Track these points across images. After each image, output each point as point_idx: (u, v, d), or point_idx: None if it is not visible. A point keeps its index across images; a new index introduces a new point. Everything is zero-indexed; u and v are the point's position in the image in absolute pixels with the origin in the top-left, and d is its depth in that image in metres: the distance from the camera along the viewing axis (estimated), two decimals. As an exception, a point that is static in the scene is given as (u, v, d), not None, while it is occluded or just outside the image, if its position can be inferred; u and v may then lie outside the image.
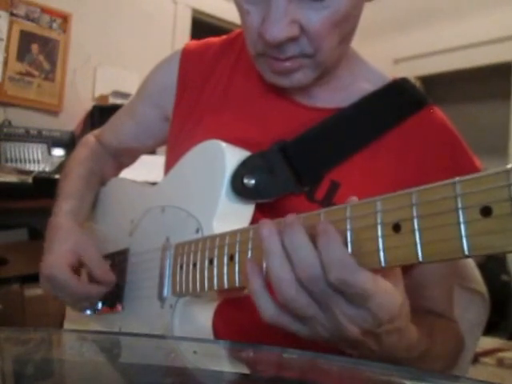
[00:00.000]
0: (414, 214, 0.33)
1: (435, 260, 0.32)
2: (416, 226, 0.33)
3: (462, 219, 0.31)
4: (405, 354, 0.43)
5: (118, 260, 0.70)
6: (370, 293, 0.36)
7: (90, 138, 0.86)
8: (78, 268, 0.66)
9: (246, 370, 0.42)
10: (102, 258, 0.67)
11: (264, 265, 0.41)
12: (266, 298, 0.40)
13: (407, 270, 0.60)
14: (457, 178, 0.31)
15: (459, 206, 0.31)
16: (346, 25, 0.54)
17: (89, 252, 0.65)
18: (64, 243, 0.65)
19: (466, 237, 0.30)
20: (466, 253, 0.30)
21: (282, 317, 0.40)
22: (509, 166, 0.29)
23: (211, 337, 0.52)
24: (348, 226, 0.37)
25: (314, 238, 0.37)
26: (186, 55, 0.73)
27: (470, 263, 0.74)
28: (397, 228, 0.34)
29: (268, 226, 0.40)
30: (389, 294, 0.37)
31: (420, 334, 0.44)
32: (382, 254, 0.35)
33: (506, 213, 0.29)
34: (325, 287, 0.37)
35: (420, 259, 0.33)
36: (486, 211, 0.29)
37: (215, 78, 0.69)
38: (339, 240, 0.36)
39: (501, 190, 0.29)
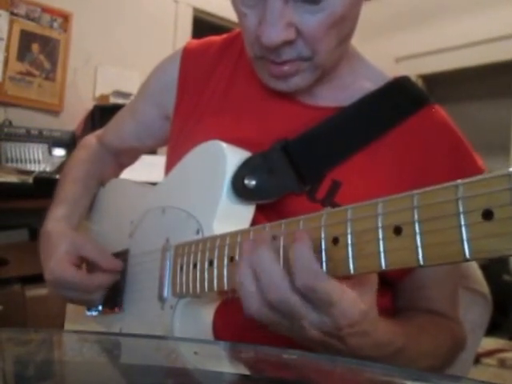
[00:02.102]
0: (416, 217, 0.33)
1: (436, 263, 0.32)
2: (417, 229, 0.33)
3: (463, 222, 0.30)
4: (374, 353, 0.44)
5: (121, 261, 0.70)
6: (335, 300, 0.38)
7: (91, 139, 0.86)
8: (80, 265, 0.66)
9: (246, 371, 0.42)
10: (102, 248, 0.67)
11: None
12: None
13: (408, 270, 0.59)
14: (459, 181, 0.31)
15: (460, 209, 0.31)
16: (344, 26, 0.54)
17: (87, 246, 0.66)
18: (59, 246, 0.65)
19: (468, 240, 0.30)
20: (468, 256, 0.30)
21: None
22: (511, 169, 0.29)
23: (211, 337, 0.52)
24: (349, 229, 0.37)
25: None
26: (187, 54, 0.73)
27: (473, 264, 0.74)
28: (398, 231, 0.34)
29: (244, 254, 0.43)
30: (351, 302, 0.39)
31: (395, 334, 0.45)
32: (382, 256, 0.35)
33: (508, 216, 0.28)
34: (292, 301, 0.39)
35: (421, 262, 0.33)
36: (488, 215, 0.29)
37: (216, 78, 0.68)
38: (308, 247, 0.38)
39: (503, 193, 0.29)
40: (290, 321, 0.41)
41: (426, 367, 0.53)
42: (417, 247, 0.33)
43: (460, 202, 0.31)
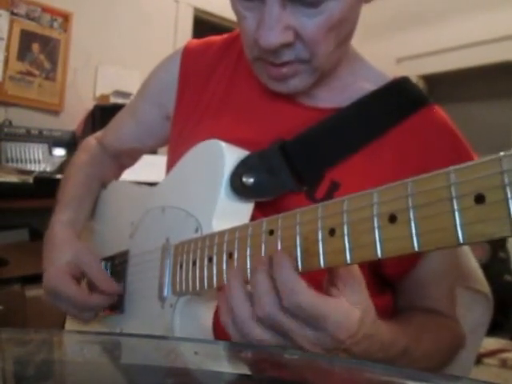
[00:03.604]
0: (410, 204, 0.33)
1: (431, 249, 0.33)
2: (411, 216, 0.33)
3: (456, 207, 0.31)
4: (380, 355, 0.43)
5: (119, 262, 0.70)
6: (324, 313, 0.38)
7: (91, 140, 0.86)
8: (79, 279, 0.66)
9: (246, 371, 0.42)
10: (103, 269, 0.67)
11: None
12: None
13: (407, 269, 0.59)
14: (451, 167, 0.32)
15: (453, 194, 0.31)
16: (342, 29, 0.54)
17: (90, 263, 0.65)
18: (64, 255, 0.65)
19: (461, 225, 0.31)
20: (461, 241, 0.31)
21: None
22: (501, 153, 0.30)
23: (211, 336, 0.52)
24: (345, 219, 0.37)
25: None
26: (188, 54, 0.73)
27: (474, 263, 0.73)
28: (393, 219, 0.34)
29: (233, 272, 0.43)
30: (343, 313, 0.38)
31: (398, 334, 0.45)
32: (378, 245, 0.35)
33: (499, 199, 0.29)
34: (281, 317, 0.39)
35: (416, 249, 0.33)
36: (480, 199, 0.30)
37: (216, 78, 0.68)
38: (289, 266, 0.39)
39: (493, 177, 0.29)
40: (285, 338, 0.40)
41: (428, 366, 0.53)
42: (411, 234, 0.33)
43: (452, 188, 0.31)
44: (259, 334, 0.40)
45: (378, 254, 0.35)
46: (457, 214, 0.31)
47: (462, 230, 0.31)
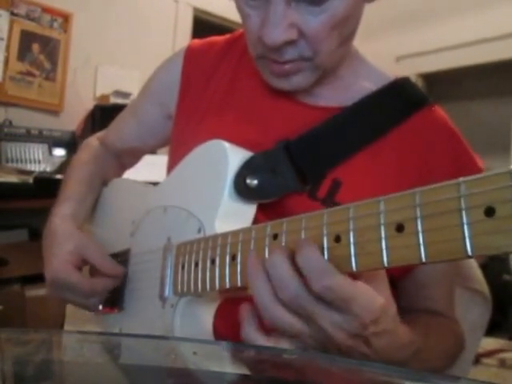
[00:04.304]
0: (418, 214, 0.33)
1: (438, 260, 0.32)
2: (419, 227, 0.33)
3: (465, 220, 0.30)
4: (398, 355, 0.43)
5: (120, 261, 0.70)
6: (352, 295, 0.37)
7: (92, 140, 0.86)
8: (81, 267, 0.66)
9: (246, 371, 0.42)
10: (105, 253, 0.67)
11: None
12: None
13: (408, 270, 0.60)
14: (461, 179, 0.31)
15: (463, 206, 0.31)
16: (345, 27, 0.54)
17: (90, 249, 0.65)
18: (65, 245, 0.64)
19: (470, 237, 0.30)
20: (469, 253, 0.30)
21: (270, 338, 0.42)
22: None
23: (212, 337, 0.52)
24: (351, 227, 0.37)
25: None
26: (190, 54, 0.73)
27: (472, 263, 0.73)
28: (400, 228, 0.34)
29: (253, 257, 0.42)
30: (369, 296, 0.38)
31: (412, 334, 0.45)
32: (385, 254, 0.35)
33: (510, 213, 0.29)
34: (306, 301, 0.39)
35: (423, 260, 0.33)
36: (490, 212, 0.29)
37: (218, 78, 0.69)
38: (316, 250, 0.38)
39: (504, 190, 0.29)
40: (308, 323, 0.40)
41: (435, 367, 0.53)
42: (419, 244, 0.33)
43: (462, 200, 0.31)
44: (282, 315, 0.40)
45: (385, 263, 0.35)
46: (465, 226, 0.30)
47: (470, 242, 0.30)
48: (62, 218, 0.69)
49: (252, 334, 0.43)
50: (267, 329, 0.43)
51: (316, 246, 0.38)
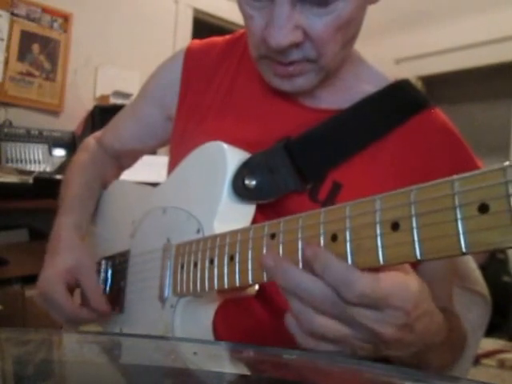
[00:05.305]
0: (413, 212, 0.33)
1: (433, 258, 0.33)
2: (414, 224, 0.33)
3: (459, 216, 0.31)
4: (435, 339, 0.43)
5: (119, 261, 0.70)
6: (387, 291, 0.36)
7: (91, 141, 0.85)
8: (73, 287, 0.66)
9: (246, 371, 0.42)
10: (99, 285, 0.67)
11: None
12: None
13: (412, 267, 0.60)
14: (455, 176, 0.32)
15: (457, 203, 0.31)
16: (349, 29, 0.54)
17: (87, 276, 0.65)
18: (65, 260, 0.64)
19: (464, 234, 0.31)
20: (464, 250, 0.31)
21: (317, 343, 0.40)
22: (506, 163, 0.30)
23: (211, 337, 0.52)
24: (347, 225, 0.37)
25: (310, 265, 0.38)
26: (190, 54, 0.73)
27: (472, 265, 0.74)
28: (395, 226, 0.34)
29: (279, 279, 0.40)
30: (402, 284, 0.37)
31: (443, 317, 0.45)
32: (380, 252, 0.35)
33: (503, 209, 0.29)
34: (344, 307, 0.37)
35: (418, 257, 0.33)
36: (484, 208, 0.30)
37: (219, 79, 0.69)
38: (332, 258, 0.37)
39: (498, 187, 0.29)
40: (352, 326, 0.38)
41: (448, 362, 0.53)
42: (414, 241, 0.33)
43: (456, 197, 0.31)
44: (323, 324, 0.38)
45: (381, 261, 0.35)
46: (460, 222, 0.31)
47: (465, 239, 0.31)
48: (67, 229, 0.69)
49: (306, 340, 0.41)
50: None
51: (332, 255, 0.37)
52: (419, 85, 3.08)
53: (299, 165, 0.57)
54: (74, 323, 0.65)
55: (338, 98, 0.63)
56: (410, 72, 2.88)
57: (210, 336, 0.52)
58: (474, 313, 0.70)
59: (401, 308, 0.37)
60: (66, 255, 0.65)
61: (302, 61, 0.54)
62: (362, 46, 0.68)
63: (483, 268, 0.73)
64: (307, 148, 0.58)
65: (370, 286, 0.36)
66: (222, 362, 0.45)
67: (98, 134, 0.87)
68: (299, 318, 0.39)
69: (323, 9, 0.50)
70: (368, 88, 0.63)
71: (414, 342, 0.40)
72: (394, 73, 0.66)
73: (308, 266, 0.38)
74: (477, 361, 1.89)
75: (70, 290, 0.65)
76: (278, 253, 0.41)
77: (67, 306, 0.63)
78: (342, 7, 0.51)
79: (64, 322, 0.65)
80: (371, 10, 0.59)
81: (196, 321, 0.53)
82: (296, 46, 0.53)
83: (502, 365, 1.98)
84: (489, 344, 2.02)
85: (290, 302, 0.40)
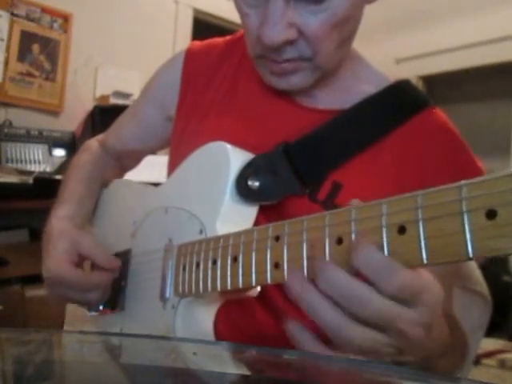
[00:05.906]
0: (419, 216, 0.33)
1: (439, 262, 0.33)
2: (421, 229, 0.33)
3: (466, 222, 0.31)
4: (448, 339, 0.42)
5: (121, 261, 0.70)
6: (422, 285, 0.36)
7: (92, 142, 0.86)
8: (80, 263, 0.65)
9: (246, 371, 0.42)
10: (101, 245, 0.66)
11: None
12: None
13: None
14: (462, 182, 0.31)
15: (464, 209, 0.31)
16: (345, 27, 0.54)
17: (86, 243, 0.64)
18: (59, 245, 0.64)
19: (471, 239, 0.30)
20: (471, 255, 0.31)
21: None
22: None
23: (212, 338, 0.52)
24: (353, 228, 0.37)
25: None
26: (190, 55, 0.73)
27: (472, 264, 0.73)
28: (402, 230, 0.34)
29: (297, 280, 0.38)
30: (432, 280, 0.37)
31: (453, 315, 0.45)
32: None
33: (511, 216, 0.29)
34: (385, 308, 0.35)
35: (424, 261, 0.33)
36: (491, 214, 0.30)
37: (219, 79, 0.69)
38: (375, 249, 0.35)
39: (506, 193, 0.29)
40: (387, 332, 0.36)
41: (457, 362, 0.54)
42: (420, 246, 0.33)
43: (464, 202, 0.31)
44: (362, 333, 0.36)
45: None
46: (467, 228, 0.31)
47: (471, 244, 0.30)
48: (57, 220, 0.68)
49: (315, 345, 0.40)
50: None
51: (373, 245, 0.35)
52: (420, 85, 3.08)
53: (298, 168, 0.57)
54: (91, 292, 0.63)
55: (338, 98, 0.63)
56: (411, 72, 2.88)
57: (211, 337, 0.52)
58: (474, 313, 0.70)
59: (430, 305, 0.36)
60: (59, 241, 0.64)
61: (297, 59, 0.54)
62: (363, 46, 0.69)
63: (483, 268, 0.73)
64: (307, 151, 0.57)
65: (410, 277, 0.35)
66: (222, 362, 0.45)
67: (100, 136, 0.87)
68: (334, 331, 0.37)
69: (317, 6, 0.50)
70: (368, 88, 0.63)
71: (429, 345, 0.39)
72: (394, 73, 0.66)
73: (348, 265, 0.36)
74: (477, 361, 1.89)
75: (77, 266, 0.64)
76: (325, 258, 0.38)
77: (77, 276, 0.62)
78: (337, 4, 0.50)
79: (82, 296, 0.63)
80: (372, 9, 0.59)
81: (197, 321, 0.53)
82: (290, 43, 0.52)
83: (502, 365, 1.97)
84: (489, 344, 2.02)
85: (319, 314, 0.37)
